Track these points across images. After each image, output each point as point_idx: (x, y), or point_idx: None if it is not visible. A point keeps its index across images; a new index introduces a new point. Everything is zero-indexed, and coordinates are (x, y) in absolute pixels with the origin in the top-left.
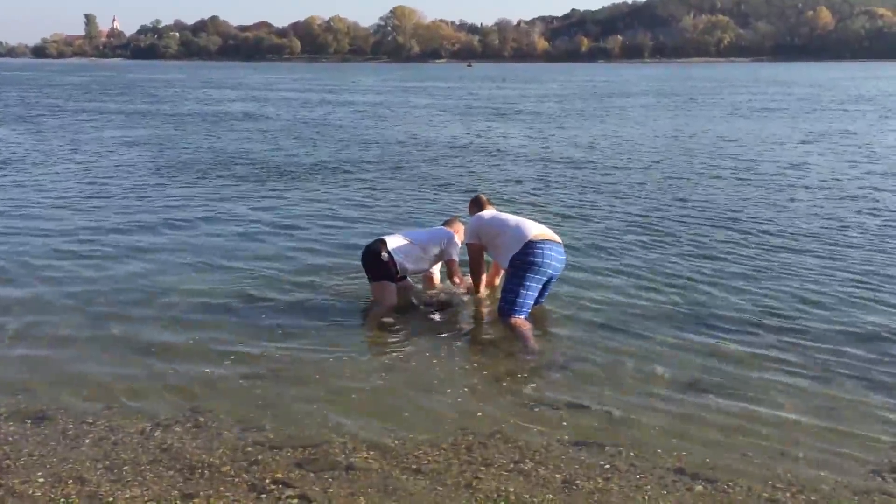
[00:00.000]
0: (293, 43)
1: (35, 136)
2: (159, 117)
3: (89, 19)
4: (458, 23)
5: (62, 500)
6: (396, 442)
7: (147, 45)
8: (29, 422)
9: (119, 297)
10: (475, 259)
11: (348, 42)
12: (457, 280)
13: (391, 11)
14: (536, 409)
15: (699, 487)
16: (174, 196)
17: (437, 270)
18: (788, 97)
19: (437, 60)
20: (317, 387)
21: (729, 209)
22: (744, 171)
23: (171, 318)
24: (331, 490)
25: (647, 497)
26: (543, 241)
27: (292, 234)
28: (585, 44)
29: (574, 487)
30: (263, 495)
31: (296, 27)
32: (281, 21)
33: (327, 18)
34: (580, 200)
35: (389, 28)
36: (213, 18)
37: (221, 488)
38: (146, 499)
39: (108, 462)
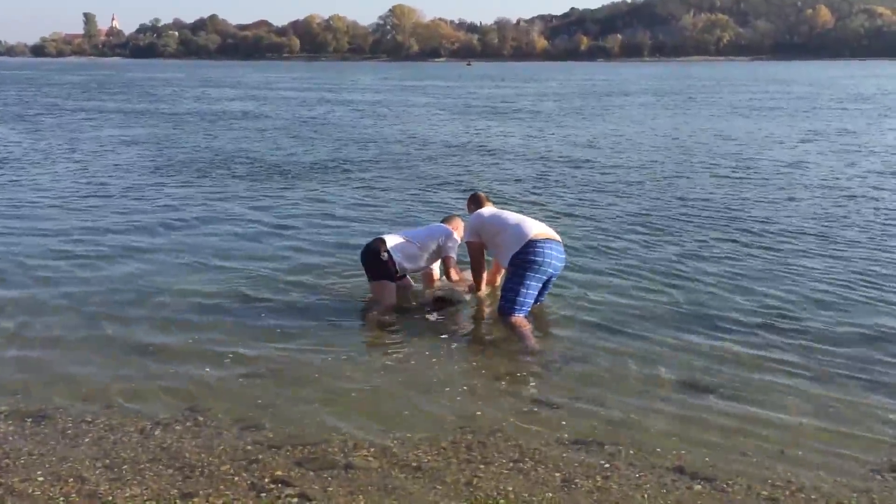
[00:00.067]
0: (292, 42)
1: (33, 135)
2: (157, 116)
3: (88, 18)
4: (457, 22)
5: (62, 498)
6: (396, 441)
7: (146, 44)
8: (28, 421)
9: (117, 298)
10: (476, 257)
11: (347, 41)
12: (454, 277)
13: (390, 10)
14: (536, 409)
15: (698, 487)
16: (172, 196)
17: (436, 268)
18: (788, 96)
19: (436, 59)
20: (316, 386)
21: (728, 208)
22: (743, 170)
23: (169, 318)
24: (330, 489)
25: (646, 496)
26: (544, 241)
27: (291, 234)
28: (585, 42)
29: (573, 486)
30: (263, 494)
31: (295, 26)
32: (280, 20)
33: (326, 17)
34: (579, 200)
35: (389, 27)
36: (213, 17)
37: (221, 487)
38: (145, 498)
39: (107, 461)
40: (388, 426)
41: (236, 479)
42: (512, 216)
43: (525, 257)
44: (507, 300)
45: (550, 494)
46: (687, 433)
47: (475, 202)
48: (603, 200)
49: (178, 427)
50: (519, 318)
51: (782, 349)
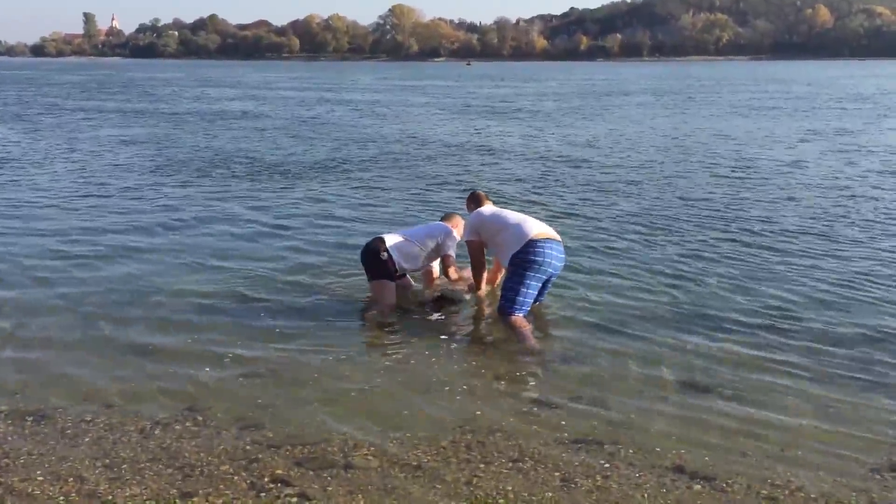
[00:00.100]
0: (292, 41)
1: (32, 134)
2: (157, 116)
3: (88, 18)
4: (456, 21)
5: (61, 498)
6: (395, 440)
7: (146, 44)
8: (28, 420)
9: (116, 298)
10: (476, 256)
11: (347, 41)
12: (453, 275)
13: (390, 10)
14: (535, 408)
15: (698, 486)
16: (171, 196)
17: (436, 266)
18: (787, 96)
19: (435, 59)
20: (315, 386)
21: (728, 207)
22: (743, 170)
23: (168, 318)
24: (330, 488)
25: (646, 495)
26: (545, 241)
27: (290, 234)
28: (584, 42)
29: (573, 486)
30: (262, 494)
31: (295, 26)
32: (280, 19)
33: (326, 17)
34: (579, 199)
35: (388, 27)
36: (212, 17)
37: (220, 486)
38: (145, 497)
39: (107, 461)
40: (387, 426)
41: (236, 478)
42: (512, 215)
43: (525, 257)
44: (507, 300)
45: (550, 494)
46: (686, 433)
47: (475, 201)
48: (603, 200)
49: (177, 427)
50: (519, 317)
51: (782, 349)
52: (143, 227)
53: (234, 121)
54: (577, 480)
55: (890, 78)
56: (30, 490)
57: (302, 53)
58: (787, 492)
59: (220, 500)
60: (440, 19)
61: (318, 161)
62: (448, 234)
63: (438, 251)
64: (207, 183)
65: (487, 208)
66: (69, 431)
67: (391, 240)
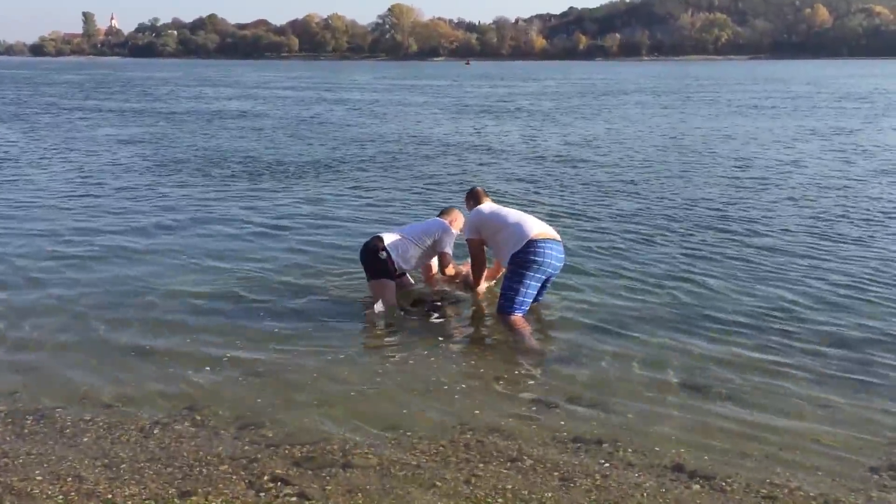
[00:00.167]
0: (291, 41)
1: (29, 134)
2: (154, 115)
3: (87, 17)
4: (456, 21)
5: (60, 497)
6: (394, 440)
7: (145, 43)
8: (27, 420)
9: (114, 299)
10: (476, 255)
11: (346, 40)
12: (450, 272)
13: (389, 9)
14: (534, 408)
15: (697, 486)
16: (168, 196)
17: (435, 262)
18: (786, 95)
19: (435, 58)
20: (314, 386)
21: (726, 208)
22: (742, 169)
23: (167, 319)
24: (329, 488)
25: (645, 494)
26: (545, 241)
27: (288, 234)
28: (583, 42)
29: (572, 485)
30: (262, 493)
31: (294, 25)
32: (279, 19)
33: (325, 16)
34: (578, 199)
35: (387, 26)
36: (212, 16)
37: (219, 486)
38: (144, 497)
39: (106, 460)
40: (386, 425)
41: (234, 477)
42: (512, 214)
43: (525, 257)
44: (507, 299)
45: (549, 493)
46: (686, 433)
47: (474, 198)
48: (602, 199)
49: (176, 427)
50: (518, 317)
51: (780, 349)
52: (140, 228)
53: (231, 120)
54: (577, 480)
55: (889, 77)
56: (29, 489)
57: (301, 53)
58: (786, 491)
59: (220, 500)
60: (439, 19)
61: (317, 161)
62: (445, 230)
63: (436, 248)
64: (205, 183)
65: (487, 206)
66: (68, 431)
67: (389, 239)
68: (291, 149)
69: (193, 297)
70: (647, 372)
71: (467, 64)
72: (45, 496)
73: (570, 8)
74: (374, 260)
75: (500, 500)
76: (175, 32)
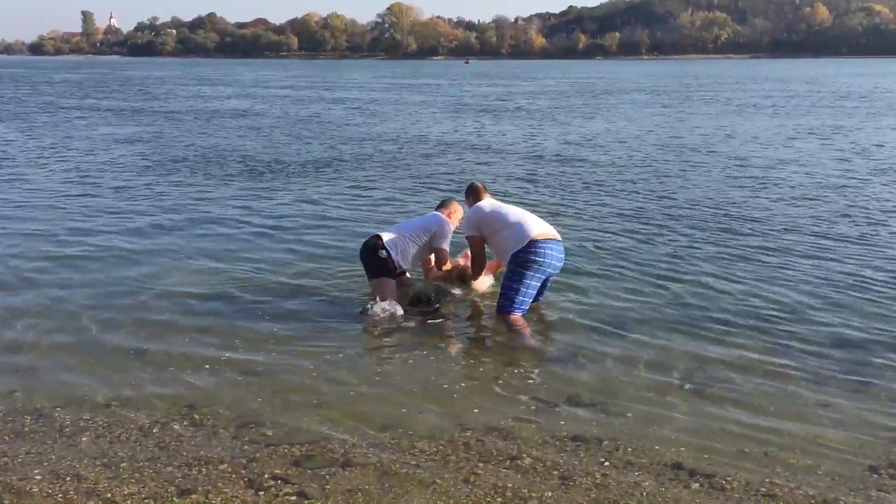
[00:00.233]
0: (290, 40)
1: (27, 133)
2: (152, 114)
3: (86, 16)
4: (455, 20)
5: (60, 496)
6: (394, 439)
7: (144, 42)
8: (26, 420)
9: (112, 299)
10: (477, 252)
11: (345, 39)
12: (446, 267)
13: (388, 8)
14: (534, 407)
15: (696, 484)
16: (166, 196)
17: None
18: (785, 94)
19: (434, 57)
20: (314, 384)
21: (726, 207)
22: (741, 169)
23: (166, 318)
24: (328, 486)
25: (644, 493)
26: (546, 241)
27: (287, 234)
28: (583, 40)
29: (571, 483)
30: (261, 492)
31: (293, 24)
32: (278, 18)
33: (325, 15)
34: (577, 198)
35: (387, 25)
36: (211, 15)
37: (219, 484)
38: (143, 495)
39: (105, 459)
40: (385, 425)
41: (234, 476)
42: (513, 213)
43: (526, 257)
44: (507, 299)
45: (549, 492)
46: (685, 432)
47: (473, 194)
48: (602, 199)
49: (175, 426)
50: (517, 317)
51: (780, 349)
52: (138, 228)
53: (230, 119)
54: (576, 479)
55: (888, 76)
56: (28, 488)
57: (300, 52)
58: (785, 490)
59: (219, 498)
60: (438, 18)
61: (315, 160)
62: (441, 225)
63: (432, 243)
64: (203, 182)
65: (487, 203)
66: (67, 431)
67: (389, 237)
68: (290, 148)
69: (192, 297)
70: (646, 372)
71: (467, 63)
72: (44, 495)
73: (570, 7)
74: (374, 259)
75: (499, 499)
76: (174, 31)
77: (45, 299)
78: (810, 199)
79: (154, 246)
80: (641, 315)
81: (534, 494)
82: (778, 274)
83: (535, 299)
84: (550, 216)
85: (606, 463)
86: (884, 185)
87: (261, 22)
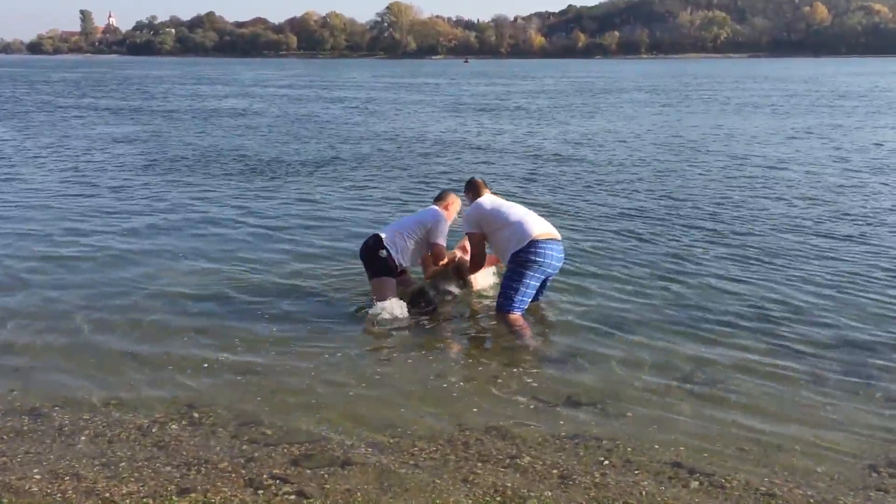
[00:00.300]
0: (289, 39)
1: (24, 132)
2: (150, 114)
3: (85, 15)
4: (454, 19)
5: (59, 495)
6: (393, 437)
7: (143, 41)
8: (25, 419)
9: (111, 300)
10: (477, 249)
11: (345, 38)
12: (444, 262)
13: (388, 7)
14: (533, 405)
15: (696, 483)
16: (164, 196)
17: None
18: (785, 93)
19: (433, 56)
20: (313, 383)
21: (724, 208)
22: (741, 169)
23: (164, 319)
24: (327, 486)
25: (644, 492)
26: (546, 241)
27: (286, 234)
28: (582, 40)
29: (571, 482)
30: (260, 491)
31: (292, 23)
32: (277, 17)
33: (324, 14)
34: (575, 198)
35: (386, 24)
36: (210, 14)
37: (218, 484)
38: (142, 495)
39: (104, 459)
40: (385, 423)
41: (233, 475)
42: (513, 211)
43: (527, 256)
44: (506, 298)
45: (548, 492)
46: (685, 430)
47: (473, 190)
48: (601, 199)
49: (174, 426)
50: (517, 316)
51: (780, 349)
52: (135, 228)
53: (228, 119)
54: (576, 478)
55: (887, 75)
56: (27, 487)
57: (299, 51)
58: (785, 490)
59: (218, 497)
60: (438, 17)
61: (313, 159)
62: (438, 220)
63: (428, 238)
64: (200, 182)
65: (487, 199)
66: (66, 430)
67: (388, 236)
68: (288, 147)
69: (191, 297)
70: (646, 371)
71: (466, 62)
72: (43, 494)
73: (569, 6)
74: (374, 258)
75: (498, 498)
76: (173, 30)
77: (42, 300)
78: (810, 199)
79: (152, 246)
80: (640, 315)
81: (533, 494)
82: (778, 274)
83: (535, 298)
84: (549, 216)
85: (606, 462)
86: (883, 184)
87: (260, 21)
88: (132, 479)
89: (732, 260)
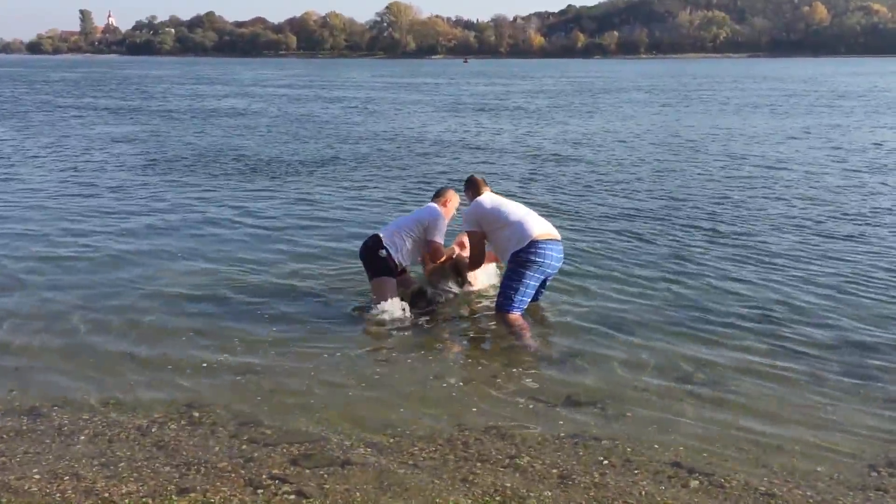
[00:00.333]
0: (289, 39)
1: (23, 132)
2: (149, 113)
3: (85, 15)
4: (454, 19)
5: (58, 495)
6: (392, 438)
7: (143, 41)
8: (24, 419)
9: (108, 300)
10: (476, 248)
11: (344, 38)
12: (441, 260)
13: (387, 7)
14: (532, 405)
15: (695, 483)
16: (162, 196)
17: None
18: (784, 93)
19: (433, 56)
20: (312, 383)
21: (723, 208)
22: (741, 169)
23: (163, 319)
24: (327, 486)
25: (643, 492)
26: (546, 241)
27: (284, 234)
28: (581, 39)
29: (570, 482)
30: (260, 491)
31: (292, 23)
32: (277, 17)
33: (323, 14)
34: (574, 198)
35: (385, 24)
36: (209, 14)
37: (218, 483)
38: (142, 494)
39: (103, 459)
40: (384, 423)
41: (233, 475)
42: (514, 210)
43: (527, 257)
44: (506, 297)
45: (548, 491)
46: (684, 430)
47: (473, 188)
48: (600, 199)
49: (173, 425)
50: (516, 315)
51: (779, 349)
52: (133, 229)
53: (227, 118)
54: (575, 478)
55: (886, 75)
56: (27, 487)
57: (299, 51)
58: (784, 489)
59: (218, 497)
60: (437, 17)
61: (312, 159)
62: (435, 217)
63: (426, 236)
64: (199, 182)
65: (487, 198)
66: (65, 430)
67: (387, 236)
68: (287, 147)
69: (190, 298)
70: (645, 372)
71: (465, 62)
72: (42, 494)
73: (569, 6)
74: (374, 258)
75: (498, 498)
76: (173, 30)
77: (40, 300)
78: (809, 199)
79: (150, 246)
80: (640, 315)
81: (532, 494)
82: (778, 274)
83: (534, 298)
84: (549, 216)
85: (605, 462)
86: (883, 184)
87: (259, 21)
88: (131, 479)
89: (732, 260)
